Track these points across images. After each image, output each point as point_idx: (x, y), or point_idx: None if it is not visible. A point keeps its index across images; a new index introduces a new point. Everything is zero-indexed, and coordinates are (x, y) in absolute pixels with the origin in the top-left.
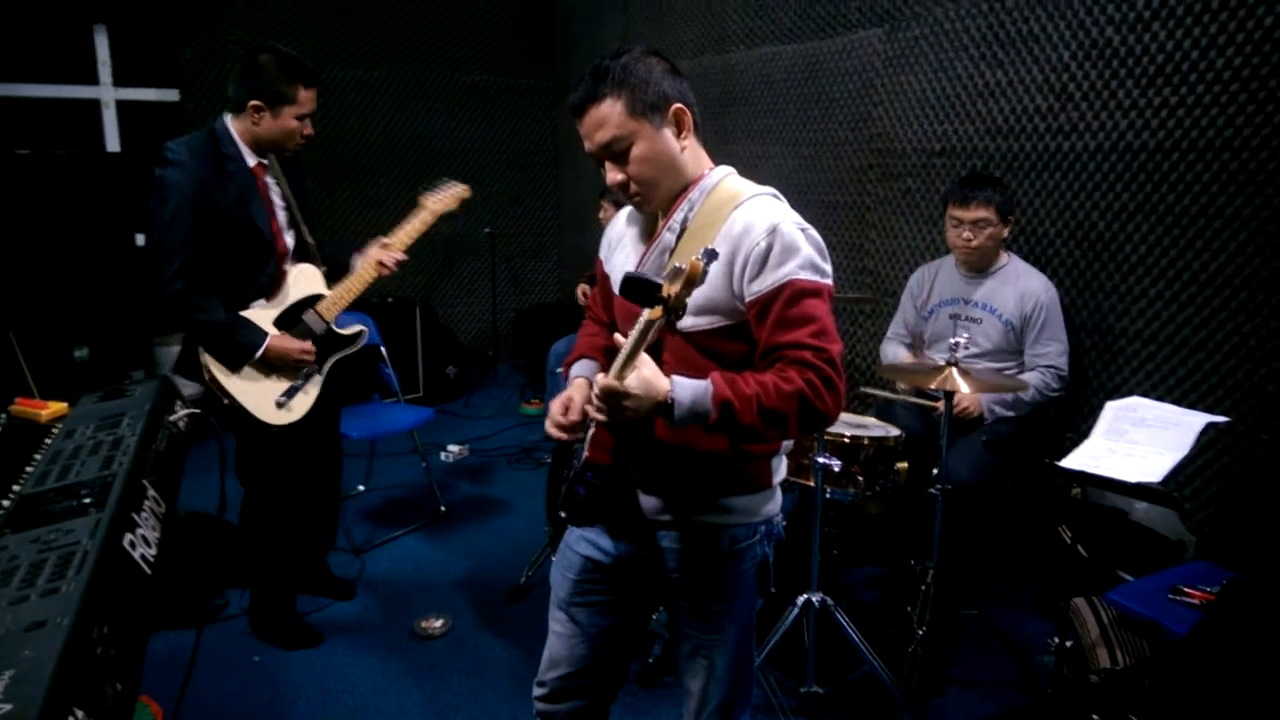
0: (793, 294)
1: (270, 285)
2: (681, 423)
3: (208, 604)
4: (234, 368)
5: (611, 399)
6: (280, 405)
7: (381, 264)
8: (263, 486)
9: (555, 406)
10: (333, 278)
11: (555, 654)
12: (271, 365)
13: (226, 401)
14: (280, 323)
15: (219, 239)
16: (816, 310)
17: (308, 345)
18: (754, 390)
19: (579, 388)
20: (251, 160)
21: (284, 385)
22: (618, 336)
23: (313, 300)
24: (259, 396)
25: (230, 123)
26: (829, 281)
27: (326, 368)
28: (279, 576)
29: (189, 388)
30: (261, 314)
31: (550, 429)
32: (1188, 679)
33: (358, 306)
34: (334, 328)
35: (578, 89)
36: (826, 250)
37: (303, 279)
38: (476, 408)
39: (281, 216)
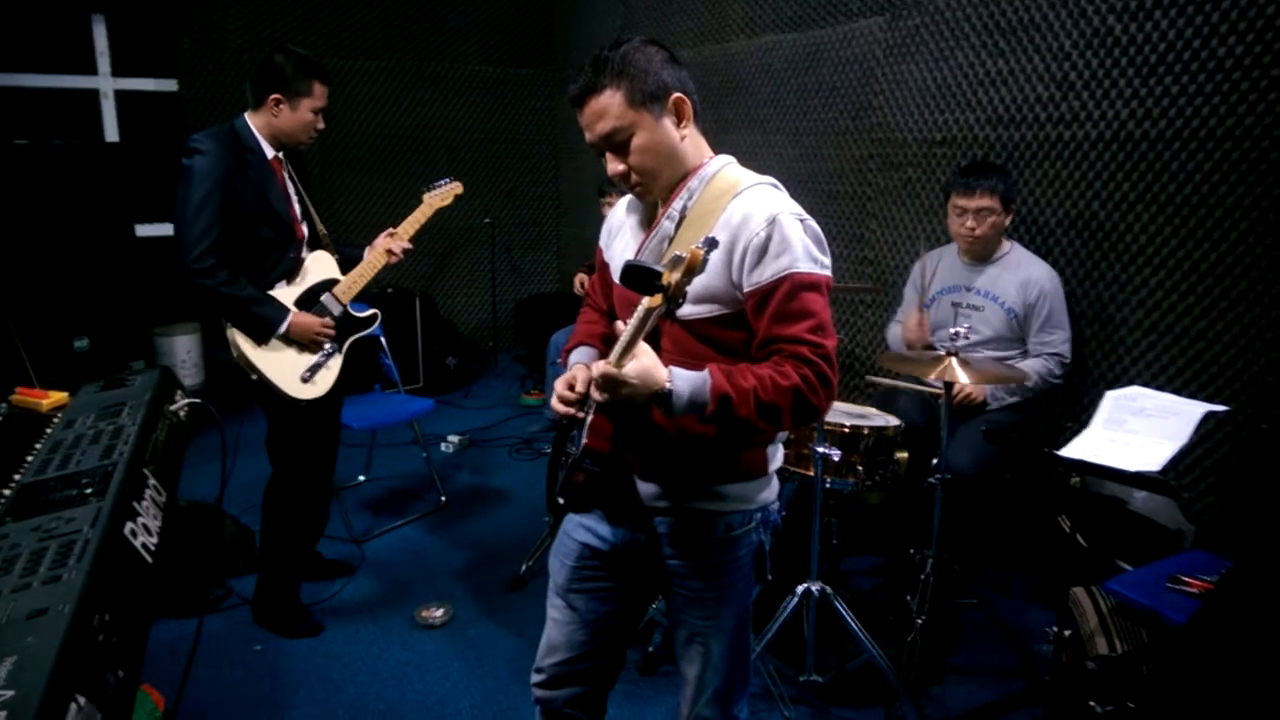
0: (792, 287)
1: (292, 268)
2: (679, 413)
3: (209, 593)
4: (260, 341)
5: (610, 385)
6: (305, 380)
7: (390, 251)
8: (292, 465)
9: (559, 384)
10: (345, 269)
11: (553, 640)
12: (296, 342)
13: (255, 376)
14: (300, 304)
15: (243, 225)
16: (815, 305)
17: (328, 320)
18: (751, 384)
19: (582, 369)
20: (270, 153)
21: (308, 361)
22: (618, 324)
23: (329, 284)
24: (285, 371)
25: (249, 119)
26: (828, 273)
27: (346, 347)
28: (290, 560)
29: (191, 378)
30: (282, 294)
31: (555, 404)
32: (1185, 667)
33: (359, 296)
34: (350, 310)
35: (577, 79)
36: (825, 241)
37: (318, 264)
38: (476, 398)
39: (297, 208)
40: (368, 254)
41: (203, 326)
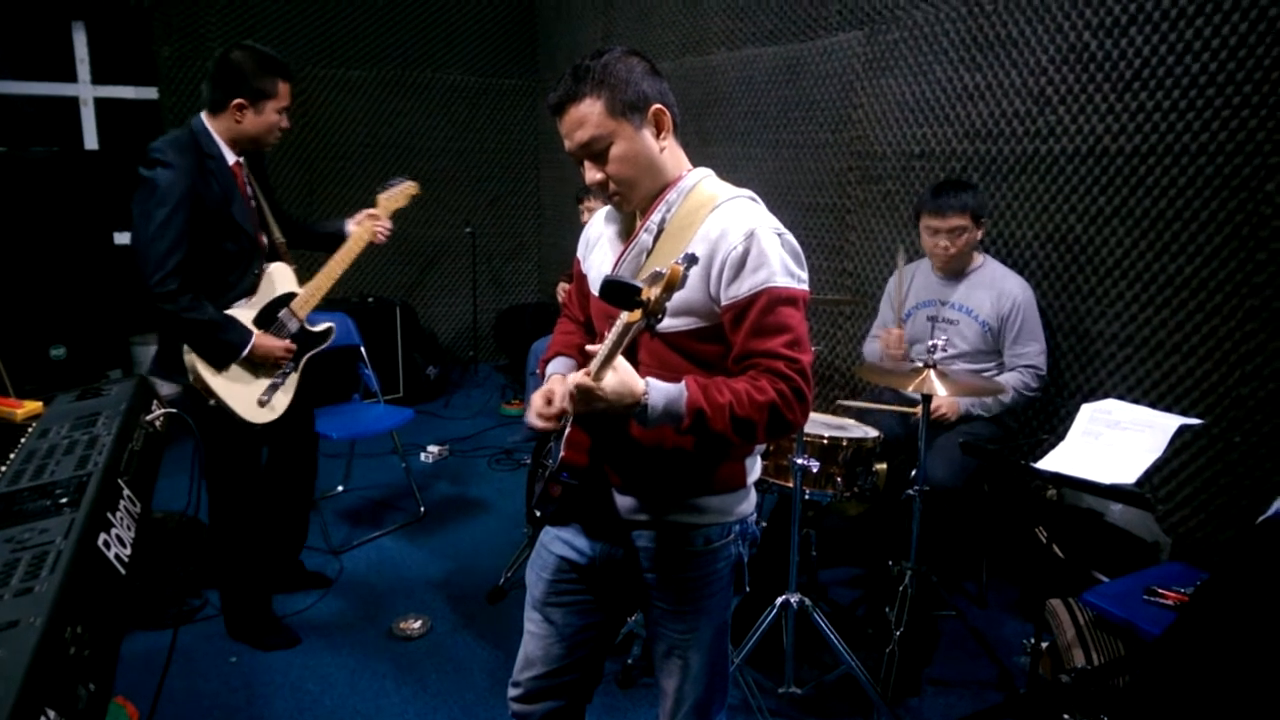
0: (768, 302)
1: (254, 284)
2: (654, 425)
3: (184, 604)
4: (220, 367)
5: (586, 397)
6: (263, 404)
7: (376, 232)
8: (232, 486)
9: (537, 398)
10: (328, 245)
11: (530, 654)
12: (254, 364)
13: (213, 402)
14: (258, 322)
15: (207, 238)
16: (791, 319)
17: (289, 343)
18: (727, 399)
19: (558, 381)
20: (231, 159)
21: (265, 383)
22: (592, 347)
23: (287, 299)
24: (243, 396)
25: (208, 122)
26: (804, 288)
27: (301, 364)
28: (251, 576)
29: (166, 388)
30: (242, 313)
31: (532, 418)
32: (1160, 679)
33: (338, 306)
34: (306, 325)
35: (558, 88)
36: (803, 255)
37: (277, 277)
38: (456, 408)
39: (256, 217)
40: (351, 228)
41: None
